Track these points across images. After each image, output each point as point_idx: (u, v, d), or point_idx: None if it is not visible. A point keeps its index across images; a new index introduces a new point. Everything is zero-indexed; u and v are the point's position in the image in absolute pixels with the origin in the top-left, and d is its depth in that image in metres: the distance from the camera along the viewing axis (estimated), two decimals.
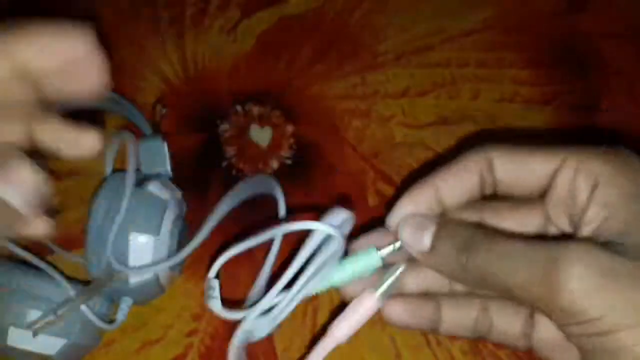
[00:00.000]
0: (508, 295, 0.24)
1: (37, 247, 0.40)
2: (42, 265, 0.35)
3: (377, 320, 0.40)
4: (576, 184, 0.25)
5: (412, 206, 0.27)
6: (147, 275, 0.36)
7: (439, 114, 0.47)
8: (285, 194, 0.43)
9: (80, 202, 0.43)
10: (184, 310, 0.40)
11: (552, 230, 0.27)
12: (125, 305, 0.36)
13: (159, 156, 0.41)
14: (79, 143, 0.27)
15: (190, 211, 0.43)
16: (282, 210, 0.40)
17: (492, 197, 0.28)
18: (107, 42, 0.51)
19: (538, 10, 0.51)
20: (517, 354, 0.39)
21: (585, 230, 0.24)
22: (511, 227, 0.27)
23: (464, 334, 0.29)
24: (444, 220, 0.26)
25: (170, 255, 0.37)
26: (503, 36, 0.50)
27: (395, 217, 0.28)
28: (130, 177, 0.36)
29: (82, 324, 0.35)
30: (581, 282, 0.21)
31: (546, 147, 0.26)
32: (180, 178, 0.42)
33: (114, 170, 0.39)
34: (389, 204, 0.28)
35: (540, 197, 0.27)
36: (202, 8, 0.51)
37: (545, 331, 0.27)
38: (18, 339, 0.34)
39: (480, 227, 0.26)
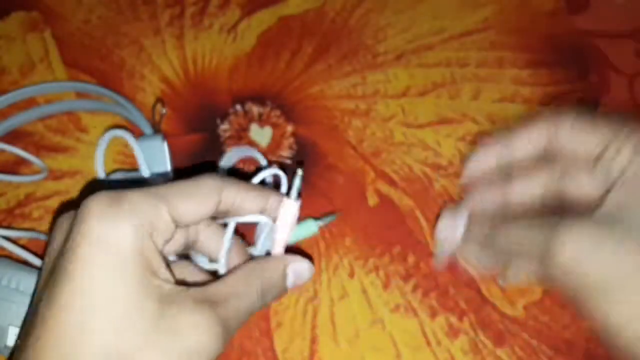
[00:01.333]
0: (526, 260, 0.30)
1: (37, 247, 0.40)
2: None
3: (377, 320, 0.40)
4: (615, 161, 0.28)
5: (486, 157, 0.33)
6: None
7: (439, 114, 0.47)
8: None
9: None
10: None
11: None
12: None
13: (159, 156, 0.41)
14: None
15: None
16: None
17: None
18: (107, 42, 0.52)
19: (538, 10, 0.51)
20: (518, 354, 0.39)
21: (604, 199, 0.28)
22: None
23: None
24: (472, 210, 0.32)
25: None
26: (503, 36, 0.50)
27: (472, 166, 0.34)
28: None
29: None
30: (572, 249, 0.26)
31: (602, 122, 0.30)
32: (180, 178, 0.42)
33: (114, 170, 0.39)
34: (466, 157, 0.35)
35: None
36: (202, 8, 0.51)
37: None
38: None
39: (498, 210, 0.32)
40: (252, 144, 0.46)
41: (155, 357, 0.24)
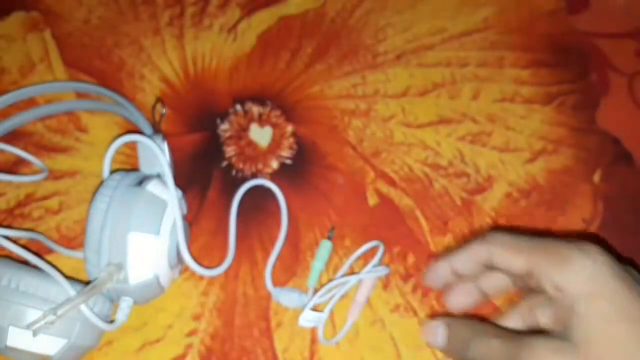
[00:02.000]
0: None
1: (37, 247, 0.40)
2: (42, 265, 0.35)
3: (377, 320, 0.40)
4: (543, 287, 0.32)
5: (436, 273, 0.38)
6: (147, 275, 0.36)
7: (439, 114, 0.47)
8: (285, 194, 0.43)
9: (80, 202, 0.43)
10: (184, 310, 0.40)
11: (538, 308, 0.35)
12: (126, 305, 0.36)
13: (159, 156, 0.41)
14: None
15: (191, 211, 0.43)
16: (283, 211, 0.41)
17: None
18: (107, 42, 0.52)
19: (538, 9, 0.51)
20: None
21: (549, 323, 0.33)
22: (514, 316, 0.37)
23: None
24: (450, 323, 0.36)
25: (170, 255, 0.37)
26: (503, 36, 0.50)
27: (427, 279, 0.39)
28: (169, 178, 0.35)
29: (82, 324, 0.35)
30: None
31: (524, 248, 0.33)
32: (180, 178, 0.42)
33: (114, 171, 0.39)
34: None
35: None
36: (202, 7, 0.51)
37: None
38: (18, 339, 0.34)
39: (474, 324, 0.35)
40: (252, 144, 0.46)
41: None
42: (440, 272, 0.38)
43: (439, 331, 0.36)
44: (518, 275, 0.34)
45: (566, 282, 0.31)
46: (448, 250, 0.38)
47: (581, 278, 0.30)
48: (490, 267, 0.36)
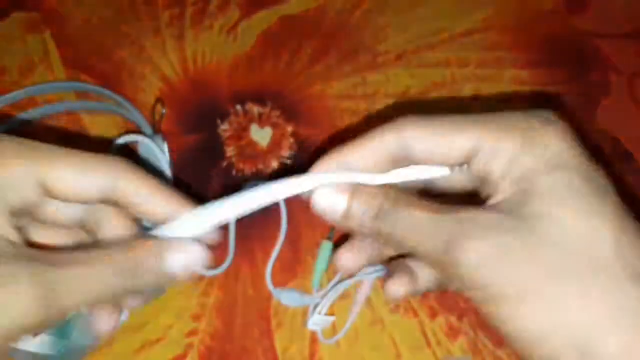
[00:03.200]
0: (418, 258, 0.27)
1: None
2: None
3: (377, 320, 0.40)
4: (492, 164, 0.26)
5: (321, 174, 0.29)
6: None
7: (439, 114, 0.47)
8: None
9: None
10: (184, 310, 0.40)
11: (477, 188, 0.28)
12: None
13: (159, 156, 0.41)
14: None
15: None
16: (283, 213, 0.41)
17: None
18: (107, 42, 0.51)
19: (538, 9, 0.51)
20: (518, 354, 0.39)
21: (496, 199, 0.26)
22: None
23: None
24: (357, 188, 0.28)
25: None
26: (503, 36, 0.50)
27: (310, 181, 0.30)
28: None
29: (82, 324, 0.35)
30: (476, 255, 0.24)
31: (463, 123, 0.27)
32: (180, 178, 0.42)
33: None
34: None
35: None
36: (202, 8, 0.51)
37: None
38: None
39: (390, 192, 0.27)
40: (252, 143, 0.46)
41: None
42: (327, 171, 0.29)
43: (338, 198, 0.27)
44: (452, 164, 0.27)
45: (529, 160, 0.25)
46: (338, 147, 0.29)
47: (548, 153, 0.25)
48: (394, 163, 0.28)
